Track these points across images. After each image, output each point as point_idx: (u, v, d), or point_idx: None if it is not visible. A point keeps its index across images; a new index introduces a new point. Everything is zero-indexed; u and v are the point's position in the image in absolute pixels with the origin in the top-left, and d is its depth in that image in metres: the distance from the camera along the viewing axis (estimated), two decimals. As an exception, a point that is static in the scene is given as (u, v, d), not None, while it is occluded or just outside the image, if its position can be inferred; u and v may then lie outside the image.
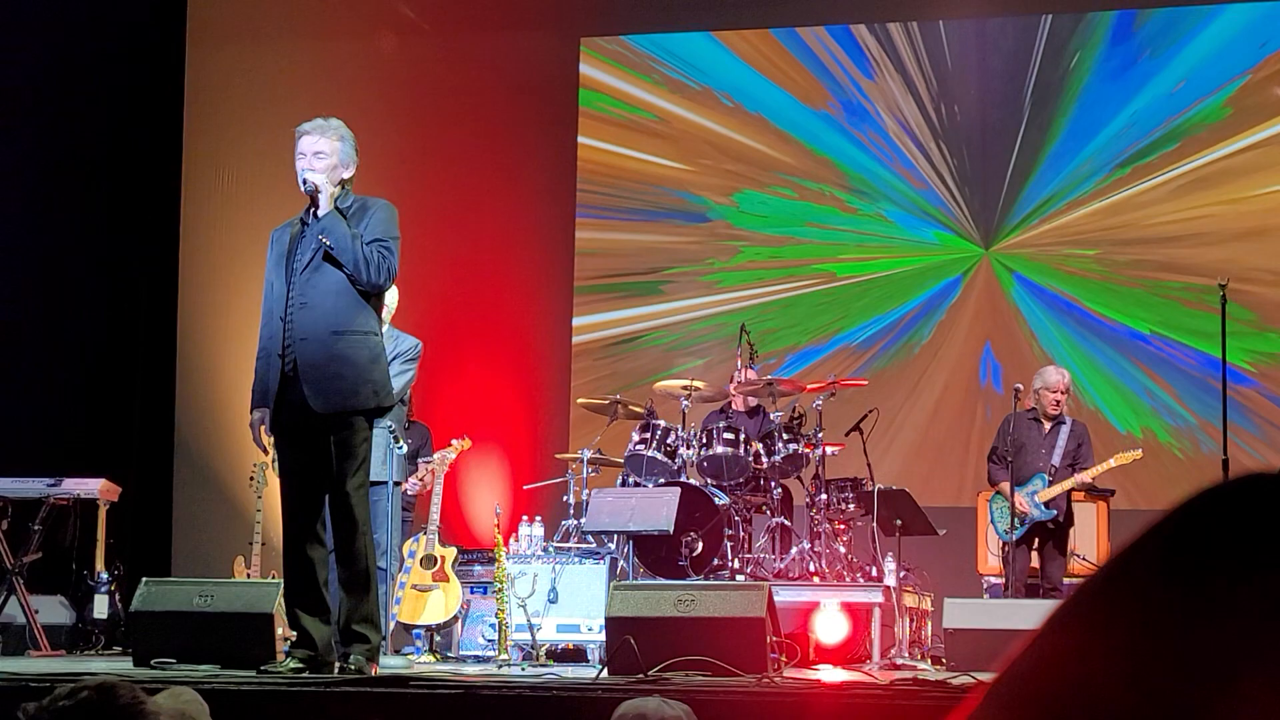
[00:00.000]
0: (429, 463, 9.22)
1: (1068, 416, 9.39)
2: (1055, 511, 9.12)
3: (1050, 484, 9.13)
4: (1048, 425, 9.33)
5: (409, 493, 9.17)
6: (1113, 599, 0.75)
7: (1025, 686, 0.75)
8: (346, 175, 6.41)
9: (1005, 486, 9.12)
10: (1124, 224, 11.27)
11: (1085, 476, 9.17)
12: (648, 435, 9.13)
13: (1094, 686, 0.72)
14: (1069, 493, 9.23)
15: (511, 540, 8.96)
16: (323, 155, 6.34)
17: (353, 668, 6.18)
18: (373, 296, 6.39)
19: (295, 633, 6.38)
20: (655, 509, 8.53)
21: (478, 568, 9.15)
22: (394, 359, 8.16)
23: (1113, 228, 11.29)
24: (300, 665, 6.20)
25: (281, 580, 7.16)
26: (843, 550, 8.99)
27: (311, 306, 6.28)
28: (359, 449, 6.29)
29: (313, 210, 6.35)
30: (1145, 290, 11.19)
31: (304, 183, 6.32)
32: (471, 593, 8.99)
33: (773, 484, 9.19)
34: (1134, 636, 0.72)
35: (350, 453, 6.25)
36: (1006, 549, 9.09)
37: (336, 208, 6.32)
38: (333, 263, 6.28)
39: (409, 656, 8.54)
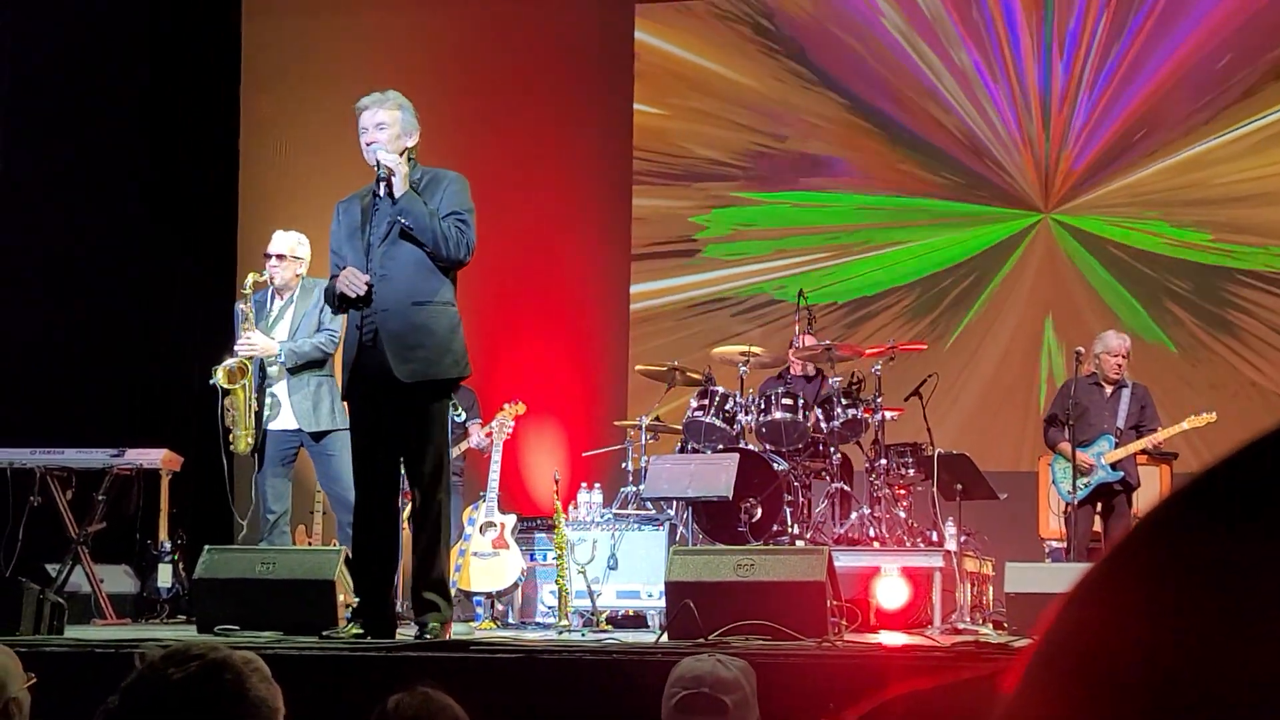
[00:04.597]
0: (475, 422, 9.34)
1: (1129, 380, 9.33)
2: (1122, 473, 9.07)
3: (1117, 445, 9.08)
4: (1109, 389, 9.27)
5: (478, 448, 9.35)
6: (1164, 552, 0.71)
7: (1072, 651, 0.72)
8: (410, 143, 6.45)
9: (1066, 447, 9.06)
10: (1194, 183, 11.11)
11: (1157, 439, 9.11)
12: (706, 402, 9.10)
13: (1147, 650, 0.68)
14: (1134, 456, 9.17)
15: (571, 507, 8.97)
16: (384, 126, 6.39)
17: (430, 635, 6.23)
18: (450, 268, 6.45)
19: (358, 598, 6.42)
20: (714, 475, 8.51)
21: (538, 535, 9.17)
22: (324, 305, 8.12)
23: (1181, 187, 11.12)
24: (361, 631, 6.24)
25: (341, 547, 7.22)
26: (903, 515, 8.94)
27: (391, 278, 6.35)
28: (439, 416, 6.41)
29: (385, 187, 6.36)
30: (1219, 254, 11.03)
31: (377, 165, 6.35)
32: (531, 560, 9.01)
33: (832, 449, 9.14)
34: (1189, 594, 0.68)
35: (432, 419, 6.37)
36: (1069, 510, 9.03)
37: (410, 186, 6.35)
38: (411, 239, 6.32)
39: (470, 623, 8.57)
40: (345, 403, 6.50)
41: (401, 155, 6.41)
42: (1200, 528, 0.70)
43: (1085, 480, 8.99)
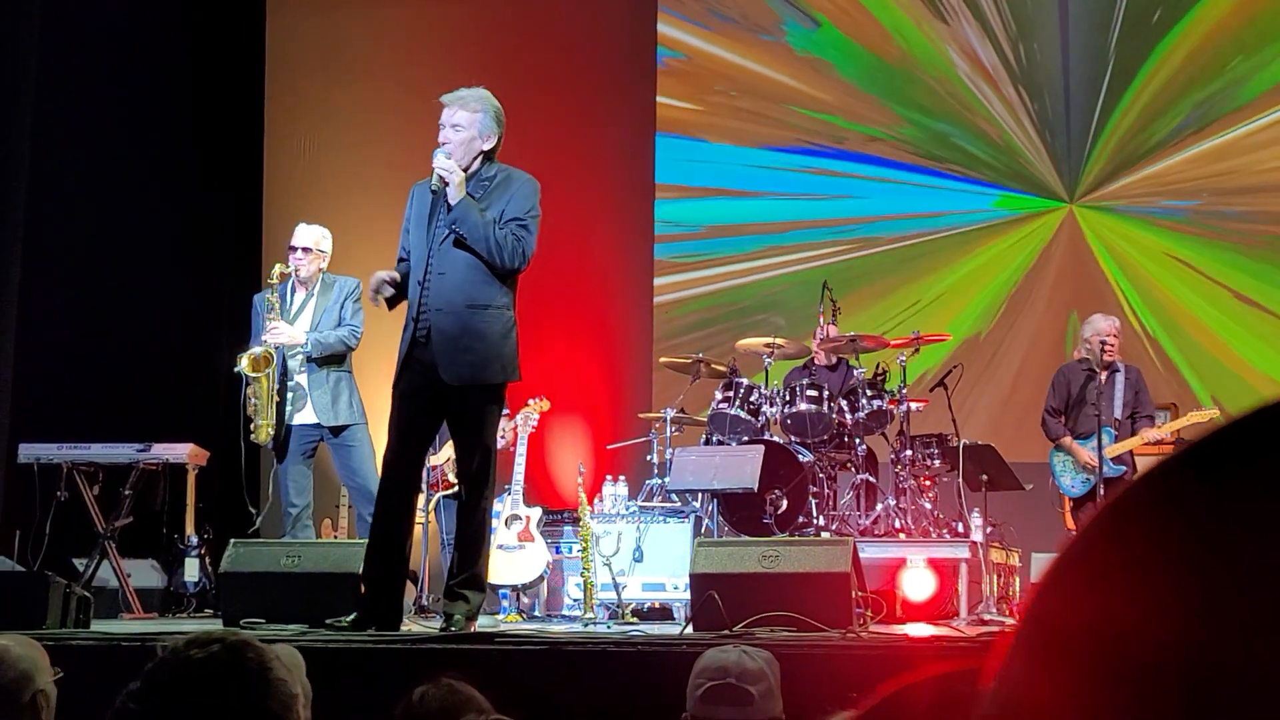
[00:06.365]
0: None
1: (1120, 363, 9.19)
2: (1124, 468, 8.96)
3: (1116, 438, 8.97)
4: (1103, 375, 9.11)
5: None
6: (1149, 529, 0.68)
7: (1053, 631, 0.69)
8: (486, 147, 6.44)
9: (1068, 442, 9.01)
10: (1231, 170, 11.01)
11: (1153, 435, 9.00)
12: (731, 393, 9.10)
13: (1131, 632, 0.66)
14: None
15: (596, 500, 8.97)
16: (460, 127, 6.39)
17: (454, 628, 6.23)
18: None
19: (365, 585, 6.38)
20: (739, 467, 8.51)
21: (563, 527, 9.18)
22: (344, 300, 8.21)
23: (1218, 175, 11.03)
24: (358, 619, 6.21)
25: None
26: (928, 506, 8.92)
27: (449, 277, 6.36)
28: (489, 417, 6.40)
29: (441, 189, 6.37)
30: (1254, 246, 10.93)
31: (433, 177, 6.34)
32: (556, 552, 9.01)
33: (857, 441, 9.12)
34: (1173, 572, 0.66)
35: (480, 420, 6.37)
36: (1071, 504, 9.01)
37: (468, 194, 6.33)
38: (465, 246, 6.34)
39: (495, 616, 8.58)
40: (394, 391, 6.49)
41: (476, 157, 6.40)
42: (1206, 500, 0.68)
43: (1086, 476, 8.91)
